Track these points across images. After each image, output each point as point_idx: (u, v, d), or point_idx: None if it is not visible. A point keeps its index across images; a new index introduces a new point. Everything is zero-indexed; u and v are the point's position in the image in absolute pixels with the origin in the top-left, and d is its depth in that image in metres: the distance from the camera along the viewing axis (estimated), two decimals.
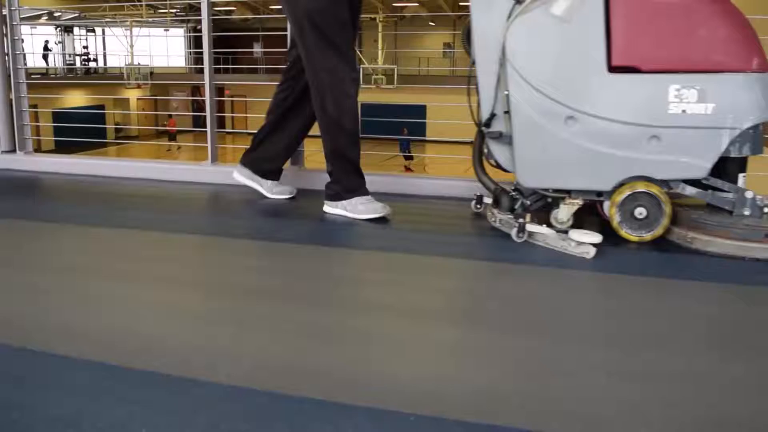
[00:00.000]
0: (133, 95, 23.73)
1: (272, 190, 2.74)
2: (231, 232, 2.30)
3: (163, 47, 25.47)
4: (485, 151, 2.31)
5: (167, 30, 25.89)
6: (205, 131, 3.31)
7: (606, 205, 2.13)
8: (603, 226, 2.09)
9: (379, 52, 24.09)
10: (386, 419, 1.05)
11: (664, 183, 2.05)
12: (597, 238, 1.93)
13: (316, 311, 1.54)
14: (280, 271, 1.89)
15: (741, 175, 2.07)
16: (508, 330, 1.44)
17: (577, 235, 1.94)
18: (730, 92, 1.93)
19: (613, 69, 1.98)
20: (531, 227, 2.05)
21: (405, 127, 18.70)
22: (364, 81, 22.71)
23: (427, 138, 20.94)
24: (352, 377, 1.21)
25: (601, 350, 1.34)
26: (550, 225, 2.11)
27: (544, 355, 1.31)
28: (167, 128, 22.57)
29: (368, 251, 2.12)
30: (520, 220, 2.05)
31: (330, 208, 2.51)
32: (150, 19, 23.98)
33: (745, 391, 1.18)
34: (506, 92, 2.07)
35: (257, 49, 26.24)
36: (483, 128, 2.15)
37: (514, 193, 2.25)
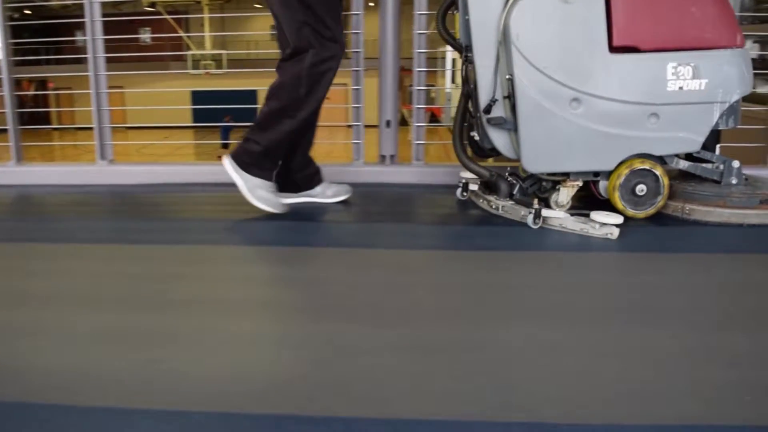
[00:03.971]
0: None
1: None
2: (41, 237, 2.13)
3: None
4: (475, 138, 2.24)
5: None
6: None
7: (603, 184, 2.15)
8: (597, 204, 2.12)
9: (206, 37, 22.94)
10: (172, 419, 1.03)
11: (659, 158, 2.11)
12: (619, 218, 1.95)
13: (127, 315, 1.47)
14: (83, 275, 1.77)
15: (717, 146, 2.20)
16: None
17: (600, 216, 1.95)
18: (720, 68, 2.02)
19: (614, 49, 1.99)
20: (546, 212, 2.03)
21: (228, 115, 17.78)
22: (193, 67, 21.57)
23: None
24: (145, 380, 1.16)
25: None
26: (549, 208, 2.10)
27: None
28: None
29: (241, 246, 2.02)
30: (536, 206, 2.02)
31: (231, 167, 2.21)
32: None
33: None
34: (507, 76, 2.01)
35: (79, 38, 23.89)
36: (483, 114, 2.08)
37: (511, 178, 2.21)
